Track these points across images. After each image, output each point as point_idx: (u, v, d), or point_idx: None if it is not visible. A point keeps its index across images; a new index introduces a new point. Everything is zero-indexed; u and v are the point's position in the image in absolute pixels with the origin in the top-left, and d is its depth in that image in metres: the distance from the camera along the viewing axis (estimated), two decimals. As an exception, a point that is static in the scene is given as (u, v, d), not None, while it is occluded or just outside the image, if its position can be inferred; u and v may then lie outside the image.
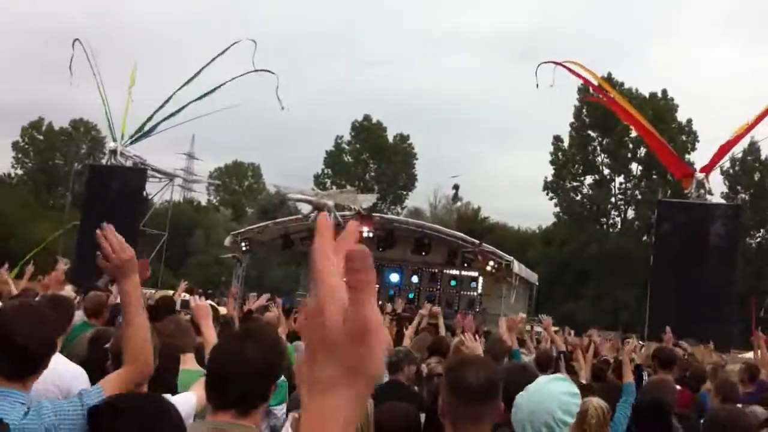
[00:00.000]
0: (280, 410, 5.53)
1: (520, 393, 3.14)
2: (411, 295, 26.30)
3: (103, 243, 2.86)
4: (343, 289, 0.86)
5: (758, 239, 52.42)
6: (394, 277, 26.29)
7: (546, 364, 7.75)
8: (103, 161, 27.30)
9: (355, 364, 0.86)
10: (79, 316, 6.50)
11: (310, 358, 0.88)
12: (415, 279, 26.54)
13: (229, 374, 2.62)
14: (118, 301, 8.43)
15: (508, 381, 3.12)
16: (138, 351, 2.88)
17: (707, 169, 21.44)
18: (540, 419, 2.95)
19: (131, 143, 25.67)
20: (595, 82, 25.79)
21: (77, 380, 3.68)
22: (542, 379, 3.34)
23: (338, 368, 0.86)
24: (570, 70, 23.14)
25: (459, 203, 60.21)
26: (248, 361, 2.63)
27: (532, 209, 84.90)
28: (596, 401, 4.53)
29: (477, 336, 8.27)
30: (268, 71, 25.53)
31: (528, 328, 20.37)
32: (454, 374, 2.68)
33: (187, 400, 3.54)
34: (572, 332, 12.37)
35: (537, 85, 22.73)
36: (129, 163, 25.40)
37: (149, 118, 25.96)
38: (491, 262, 23.19)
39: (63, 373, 3.59)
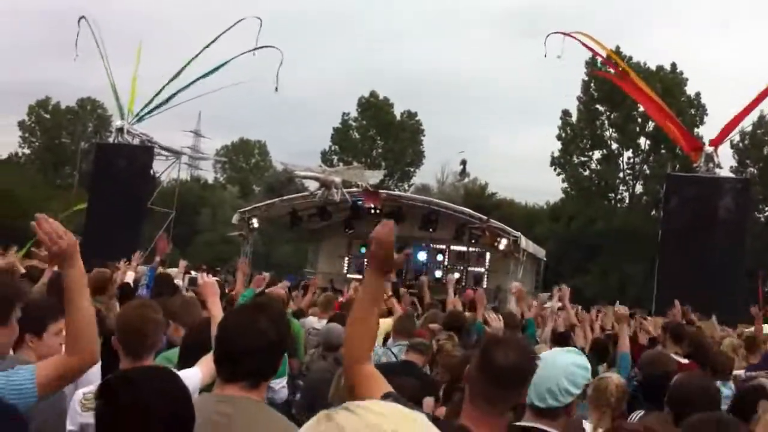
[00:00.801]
0: (279, 384, 5.55)
1: None
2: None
3: (40, 233, 2.68)
4: None
5: (767, 213, 52.19)
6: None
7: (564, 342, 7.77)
8: (110, 139, 27.21)
9: None
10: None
11: None
12: (422, 256, 26.56)
13: (241, 347, 2.62)
14: (127, 279, 8.48)
15: None
16: (80, 341, 2.76)
17: (716, 143, 21.28)
18: (544, 385, 2.97)
19: (137, 121, 25.60)
20: (604, 54, 25.56)
21: None
22: (555, 350, 3.43)
23: None
24: (579, 41, 22.96)
25: (467, 179, 60.09)
26: (261, 333, 2.64)
27: (539, 185, 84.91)
28: (616, 378, 4.61)
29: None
30: (273, 47, 25.39)
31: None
32: (486, 352, 2.65)
33: (193, 375, 3.54)
34: (579, 307, 12.34)
35: (545, 54, 22.51)
36: (136, 141, 25.33)
37: (155, 96, 25.88)
38: (499, 238, 23.17)
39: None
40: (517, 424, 2.99)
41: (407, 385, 4.20)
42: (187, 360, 3.77)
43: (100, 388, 2.20)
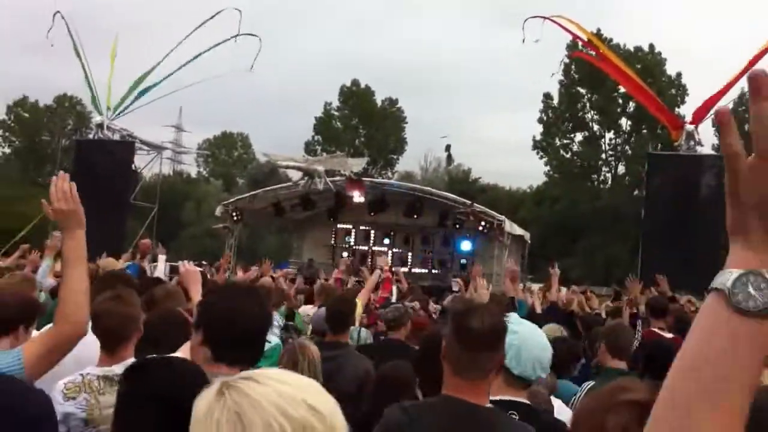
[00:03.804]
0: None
1: None
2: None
3: (51, 187, 2.81)
4: None
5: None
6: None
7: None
8: (90, 136, 26.97)
9: None
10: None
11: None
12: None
13: (244, 331, 2.64)
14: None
15: None
16: (71, 310, 2.75)
17: (697, 120, 21.32)
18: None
19: (117, 116, 25.39)
20: (584, 37, 25.43)
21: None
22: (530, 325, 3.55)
23: None
24: (558, 24, 22.78)
25: (452, 164, 60.18)
26: (255, 316, 2.69)
27: (523, 169, 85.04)
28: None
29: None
30: (252, 35, 25.21)
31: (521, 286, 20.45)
32: (459, 319, 2.71)
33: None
34: (563, 289, 12.43)
35: (524, 40, 22.26)
36: (116, 137, 25.15)
37: (132, 89, 25.65)
38: (483, 222, 23.19)
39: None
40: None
41: (396, 367, 4.26)
42: None
43: (124, 373, 2.21)
